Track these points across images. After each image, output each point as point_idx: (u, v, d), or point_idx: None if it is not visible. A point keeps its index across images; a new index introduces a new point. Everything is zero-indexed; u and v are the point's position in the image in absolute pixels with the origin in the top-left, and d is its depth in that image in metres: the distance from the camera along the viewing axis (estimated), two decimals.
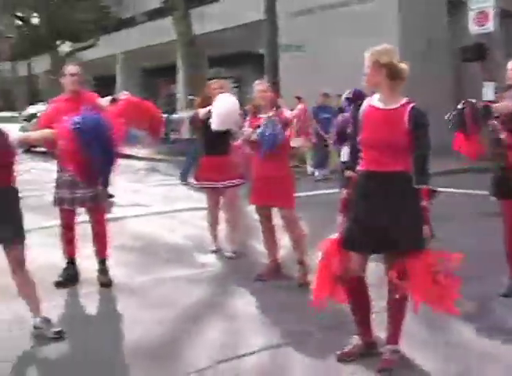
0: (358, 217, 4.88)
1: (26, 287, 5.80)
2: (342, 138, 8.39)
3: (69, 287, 7.25)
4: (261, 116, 7.19)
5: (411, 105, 4.77)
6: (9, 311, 6.29)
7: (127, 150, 24.51)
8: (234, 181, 8.43)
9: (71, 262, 7.48)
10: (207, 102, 8.49)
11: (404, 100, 4.81)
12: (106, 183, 6.61)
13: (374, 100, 4.90)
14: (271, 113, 7.11)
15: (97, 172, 6.13)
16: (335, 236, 5.04)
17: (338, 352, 5.10)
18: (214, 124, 8.04)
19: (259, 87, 7.38)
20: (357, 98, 5.21)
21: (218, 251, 8.68)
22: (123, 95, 7.20)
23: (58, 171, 7.23)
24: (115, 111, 6.80)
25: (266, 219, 7.47)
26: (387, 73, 4.76)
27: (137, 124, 6.93)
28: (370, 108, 4.89)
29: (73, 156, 5.80)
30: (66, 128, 5.79)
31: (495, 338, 5.49)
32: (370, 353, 5.12)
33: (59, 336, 5.67)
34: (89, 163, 5.82)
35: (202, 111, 8.41)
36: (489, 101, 6.55)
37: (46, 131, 6.28)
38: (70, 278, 7.38)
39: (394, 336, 5.02)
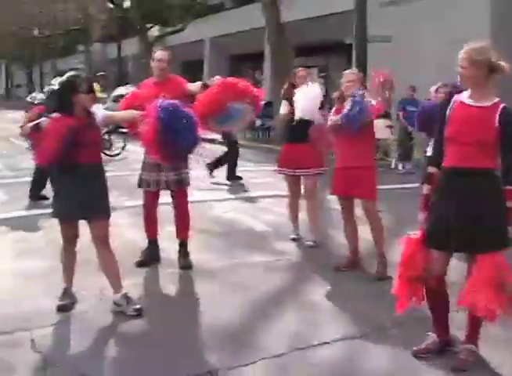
0: (441, 214, 4.80)
1: (108, 263, 5.95)
2: (426, 125, 8.20)
3: (149, 267, 7.39)
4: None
5: (502, 104, 4.70)
6: (91, 285, 6.45)
7: (211, 135, 24.76)
8: (313, 170, 8.42)
9: (153, 242, 7.61)
10: (292, 90, 8.49)
11: (496, 99, 4.74)
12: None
13: (464, 97, 4.82)
14: (357, 93, 7.00)
15: (176, 156, 6.23)
16: (416, 234, 4.97)
17: (414, 348, 5.06)
18: (299, 112, 8.05)
19: (349, 77, 7.29)
20: (457, 92, 5.08)
21: (297, 240, 8.68)
22: (215, 79, 7.23)
23: (144, 153, 7.35)
24: (210, 94, 6.86)
25: (347, 210, 7.43)
26: (485, 71, 4.68)
27: (237, 99, 6.95)
28: (461, 104, 4.80)
29: (152, 139, 5.90)
30: (149, 111, 5.90)
31: None
32: (447, 351, 5.07)
33: (138, 313, 5.80)
34: (168, 147, 5.93)
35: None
36: None
37: (130, 112, 6.41)
38: (151, 258, 7.51)
39: (472, 336, 4.95)
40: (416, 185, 9.46)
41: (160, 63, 7.42)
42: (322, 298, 6.53)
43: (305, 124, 8.22)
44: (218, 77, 7.22)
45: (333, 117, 7.18)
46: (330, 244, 8.66)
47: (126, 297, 5.90)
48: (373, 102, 7.12)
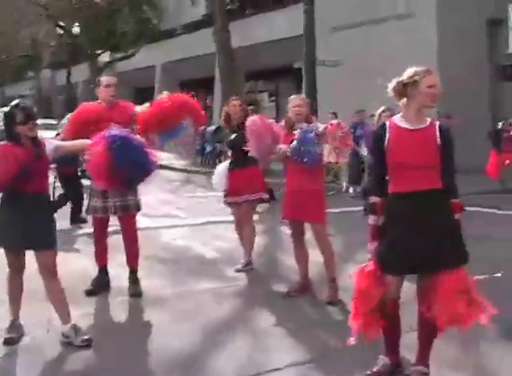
0: (398, 240, 4.78)
1: (55, 294, 5.86)
2: None
3: (99, 296, 7.29)
4: (295, 132, 7.15)
5: (437, 123, 4.84)
6: (38, 316, 6.32)
7: (161, 161, 24.72)
8: (245, 196, 8.43)
9: (103, 270, 7.52)
10: (229, 119, 8.68)
11: (429, 119, 4.85)
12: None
13: (399, 121, 4.87)
14: (304, 125, 7.03)
15: (127, 185, 6.22)
16: (367, 266, 4.96)
17: (368, 372, 5.03)
18: (252, 153, 7.94)
19: (295, 102, 7.32)
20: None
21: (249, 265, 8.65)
22: (162, 96, 7.25)
23: (91, 181, 7.29)
24: (158, 111, 6.86)
25: (297, 234, 7.41)
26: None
27: (178, 116, 6.98)
28: (399, 129, 4.84)
29: (102, 169, 5.87)
30: (98, 141, 5.87)
31: None
32: (397, 373, 5.06)
33: (87, 344, 5.70)
34: (119, 177, 5.91)
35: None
36: None
37: (82, 141, 6.34)
38: (100, 286, 7.41)
39: (423, 357, 4.95)
40: None
41: (109, 89, 7.39)
42: (272, 323, 6.49)
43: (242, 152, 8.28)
44: (165, 92, 7.22)
45: (282, 146, 7.16)
46: (281, 269, 8.65)
47: (74, 327, 5.80)
48: (321, 127, 7.18)
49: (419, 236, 4.71)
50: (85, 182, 7.47)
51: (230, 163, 8.61)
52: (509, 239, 10.10)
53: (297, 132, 6.98)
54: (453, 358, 5.47)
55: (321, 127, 7.24)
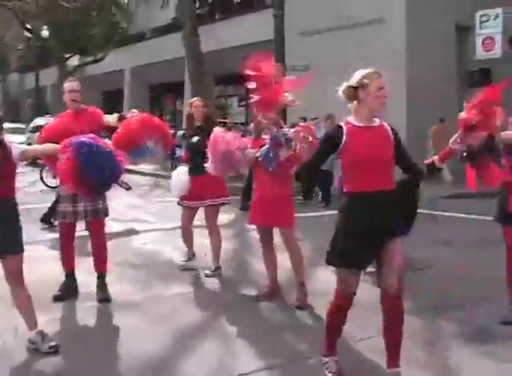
0: (354, 237, 4.81)
1: (22, 300, 5.80)
2: None
3: (67, 301, 7.24)
4: (264, 137, 7.17)
5: (385, 123, 4.98)
6: (5, 322, 6.28)
7: (131, 166, 24.60)
8: (209, 201, 8.43)
9: (70, 275, 7.48)
10: (191, 120, 8.65)
11: (377, 119, 4.98)
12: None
13: (353, 121, 4.94)
14: (274, 131, 7.04)
15: (95, 189, 6.21)
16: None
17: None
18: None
19: None
20: None
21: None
22: (131, 112, 7.22)
23: (59, 185, 7.25)
24: (128, 130, 6.84)
25: (266, 239, 7.43)
26: None
27: (147, 138, 6.95)
28: (356, 128, 4.89)
29: (70, 174, 5.86)
30: (66, 146, 5.85)
31: (494, 364, 5.47)
32: None
33: (54, 350, 5.66)
34: (87, 181, 5.90)
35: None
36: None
37: (48, 146, 6.31)
38: (68, 292, 7.37)
39: (395, 358, 4.96)
40: (335, 212, 9.54)
41: (71, 94, 7.36)
42: (242, 328, 6.50)
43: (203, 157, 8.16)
44: (134, 110, 7.20)
45: (250, 150, 7.16)
46: (250, 274, 8.67)
47: (41, 334, 5.75)
48: (291, 132, 7.19)
49: (375, 238, 4.80)
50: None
51: (190, 168, 8.46)
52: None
53: (267, 138, 6.99)
54: (423, 360, 5.51)
55: (290, 131, 7.26)
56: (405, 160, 5.05)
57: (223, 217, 12.10)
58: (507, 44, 21.84)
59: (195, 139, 8.44)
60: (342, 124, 4.94)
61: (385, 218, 4.79)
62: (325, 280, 7.40)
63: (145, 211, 14.47)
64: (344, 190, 4.96)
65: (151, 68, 37.05)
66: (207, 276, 8.44)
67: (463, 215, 13.49)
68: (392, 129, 4.95)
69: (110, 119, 7.32)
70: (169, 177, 22.93)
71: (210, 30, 28.45)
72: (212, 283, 8.20)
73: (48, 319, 6.38)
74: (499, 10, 20.71)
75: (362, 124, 4.88)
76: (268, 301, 7.26)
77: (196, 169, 8.22)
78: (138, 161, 7.42)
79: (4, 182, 5.61)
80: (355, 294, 4.97)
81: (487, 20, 20.81)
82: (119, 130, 6.94)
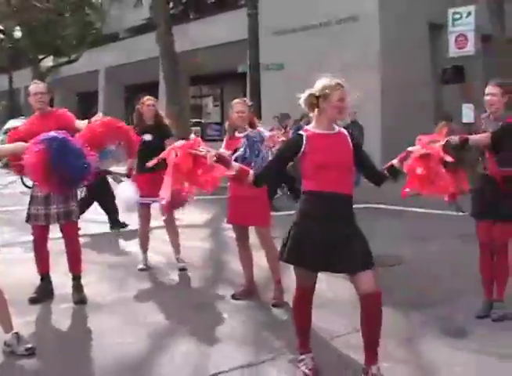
0: (304, 235, 4.90)
1: None
2: None
3: (42, 304, 7.20)
4: (238, 136, 7.17)
5: (344, 130, 5.08)
6: None
7: (104, 167, 24.50)
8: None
9: (45, 278, 7.44)
10: (141, 118, 8.81)
11: (337, 127, 5.06)
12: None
13: (313, 128, 5.04)
14: (249, 131, 7.07)
15: (65, 186, 6.19)
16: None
17: (307, 372, 5.07)
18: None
19: (238, 107, 7.28)
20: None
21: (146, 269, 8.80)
22: (98, 117, 7.22)
23: (33, 187, 7.21)
24: (90, 133, 6.83)
25: (242, 238, 7.43)
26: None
27: (110, 142, 6.99)
28: (316, 135, 4.98)
29: (40, 170, 5.85)
30: (34, 143, 5.84)
31: (471, 359, 5.51)
32: None
33: (30, 352, 5.63)
34: (57, 177, 5.88)
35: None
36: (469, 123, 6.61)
37: (20, 144, 6.28)
38: (43, 294, 7.33)
39: (372, 355, 4.97)
40: None
41: (36, 97, 7.28)
42: (219, 327, 6.50)
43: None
44: (100, 114, 7.19)
45: (224, 151, 7.13)
46: (226, 272, 8.67)
47: (17, 336, 5.72)
48: (267, 133, 7.24)
49: (326, 237, 4.82)
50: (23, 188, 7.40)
51: (141, 165, 8.28)
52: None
53: (242, 139, 7.01)
54: (399, 354, 5.55)
55: (265, 131, 7.30)
56: (366, 165, 5.12)
57: (200, 217, 12.11)
58: (480, 41, 22.04)
59: (148, 136, 8.51)
60: (302, 132, 5.05)
61: (338, 221, 4.85)
62: None
63: (122, 212, 14.41)
64: (303, 190, 5.05)
65: (126, 68, 36.97)
66: (181, 269, 8.61)
67: (439, 212, 13.57)
68: (351, 135, 5.06)
69: (82, 125, 7.26)
70: None
71: (185, 29, 28.46)
72: (189, 283, 8.20)
73: (24, 322, 6.35)
74: (471, 8, 20.88)
75: (321, 132, 4.99)
76: (245, 300, 7.27)
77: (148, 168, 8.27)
78: (100, 164, 7.31)
79: None
80: (313, 286, 5.08)
81: (459, 18, 20.97)
82: (82, 133, 6.91)
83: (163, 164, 8.07)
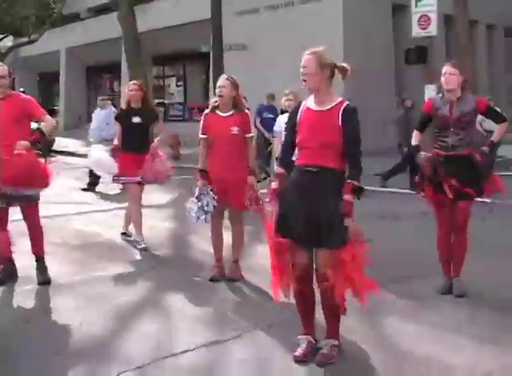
0: (287, 207, 4.95)
1: None
2: None
3: (6, 286, 7.13)
4: (221, 114, 7.13)
5: (345, 103, 4.89)
6: None
7: (67, 148, 24.32)
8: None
9: (8, 260, 7.34)
10: (128, 103, 8.98)
11: (339, 100, 4.93)
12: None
13: (310, 102, 5.01)
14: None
15: None
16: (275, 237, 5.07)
17: (296, 354, 5.08)
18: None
19: (219, 82, 7.30)
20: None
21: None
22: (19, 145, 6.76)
23: None
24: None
25: (218, 217, 7.29)
26: (329, 73, 4.84)
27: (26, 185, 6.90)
28: (307, 111, 5.00)
29: None
30: None
31: (432, 336, 5.58)
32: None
33: None
34: None
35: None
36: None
37: None
38: (8, 276, 7.25)
39: (332, 330, 5.08)
40: None
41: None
42: (183, 305, 6.51)
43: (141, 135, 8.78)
44: (23, 143, 6.79)
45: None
46: (192, 253, 8.68)
47: None
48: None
49: (303, 210, 4.85)
50: None
51: (128, 145, 8.79)
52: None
53: None
54: (364, 332, 5.60)
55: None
56: (347, 146, 4.88)
57: (166, 197, 12.06)
58: (442, 22, 22.15)
59: (136, 119, 8.77)
60: (302, 104, 5.10)
61: (317, 194, 4.83)
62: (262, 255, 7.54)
63: (83, 193, 14.33)
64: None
65: (87, 49, 36.62)
66: (141, 250, 8.69)
67: (402, 191, 13.71)
68: (345, 111, 4.85)
69: (48, 120, 7.09)
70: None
71: (147, 9, 28.22)
72: (151, 263, 8.18)
73: None
74: None
75: (311, 107, 4.98)
76: (215, 281, 7.23)
77: (136, 147, 8.68)
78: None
79: None
80: (308, 265, 5.02)
81: None
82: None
83: (147, 147, 8.48)
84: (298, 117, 5.02)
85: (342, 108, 4.85)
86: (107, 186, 8.93)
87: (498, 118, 6.89)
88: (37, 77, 46.13)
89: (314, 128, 4.90)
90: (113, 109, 14.71)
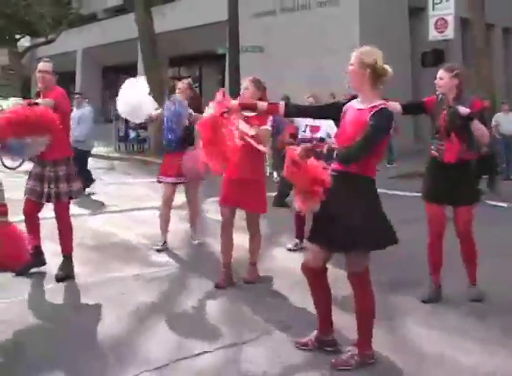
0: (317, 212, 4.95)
1: None
2: None
3: (25, 284, 7.15)
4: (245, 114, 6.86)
5: (381, 106, 4.84)
6: None
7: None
8: (175, 179, 8.81)
9: (36, 250, 7.43)
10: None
11: (379, 102, 4.89)
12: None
13: (354, 101, 5.03)
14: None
15: None
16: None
17: (296, 341, 5.25)
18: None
19: (243, 83, 7.33)
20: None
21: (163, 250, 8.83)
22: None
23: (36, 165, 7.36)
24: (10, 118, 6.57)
25: (229, 221, 7.23)
26: (370, 73, 4.86)
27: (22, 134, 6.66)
28: (350, 107, 5.02)
29: None
30: None
31: (445, 339, 5.60)
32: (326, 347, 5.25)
33: None
34: None
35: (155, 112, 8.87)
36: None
37: None
38: (33, 265, 7.43)
39: (358, 338, 5.09)
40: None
41: (37, 74, 7.42)
42: (200, 307, 6.55)
43: (184, 133, 8.67)
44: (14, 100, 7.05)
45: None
46: (209, 254, 8.68)
47: None
48: None
49: (330, 215, 4.86)
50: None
51: (174, 144, 8.75)
52: None
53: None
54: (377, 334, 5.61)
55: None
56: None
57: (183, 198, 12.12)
58: (459, 26, 22.10)
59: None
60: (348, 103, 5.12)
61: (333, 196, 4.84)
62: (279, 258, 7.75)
63: (99, 194, 14.38)
64: None
65: (104, 49, 36.73)
66: (158, 250, 8.75)
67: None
68: (374, 114, 4.79)
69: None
70: (123, 159, 22.73)
71: (164, 10, 28.24)
72: (170, 264, 8.22)
73: (10, 301, 6.45)
74: None
75: (353, 105, 5.01)
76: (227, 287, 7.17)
77: (180, 146, 8.67)
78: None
79: None
80: (319, 269, 5.07)
81: (440, 2, 21.01)
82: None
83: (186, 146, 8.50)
84: (345, 108, 5.05)
85: (376, 109, 4.81)
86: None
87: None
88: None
89: (347, 124, 4.93)
90: (90, 107, 14.64)
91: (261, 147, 6.88)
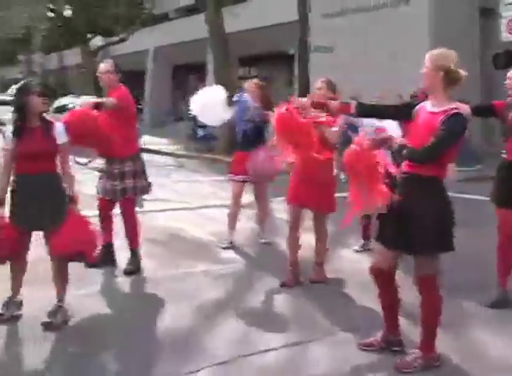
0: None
1: (60, 274, 5.92)
2: None
3: (95, 277, 7.29)
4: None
5: (454, 111, 4.80)
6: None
7: (151, 146, 24.73)
8: (247, 177, 8.83)
9: (106, 246, 7.51)
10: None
11: (452, 105, 4.85)
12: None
13: (427, 102, 4.99)
14: None
15: None
16: None
17: (360, 342, 5.29)
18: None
19: (317, 83, 7.41)
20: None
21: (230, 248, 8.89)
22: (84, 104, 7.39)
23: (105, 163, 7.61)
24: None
25: (297, 220, 7.26)
26: (443, 77, 4.86)
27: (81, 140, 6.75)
28: (422, 108, 4.98)
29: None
30: None
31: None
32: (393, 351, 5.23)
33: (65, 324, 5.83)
34: None
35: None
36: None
37: None
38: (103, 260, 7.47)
39: (422, 342, 5.08)
40: None
41: (99, 75, 7.67)
42: (266, 305, 6.62)
43: (255, 131, 8.70)
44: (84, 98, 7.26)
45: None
46: (275, 253, 8.72)
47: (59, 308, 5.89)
48: None
49: (400, 216, 4.86)
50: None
51: (246, 143, 8.83)
52: None
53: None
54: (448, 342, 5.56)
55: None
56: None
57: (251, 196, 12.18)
58: None
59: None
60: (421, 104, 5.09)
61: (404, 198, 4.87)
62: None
63: (168, 191, 14.54)
64: None
65: (175, 49, 37.07)
66: (223, 248, 8.81)
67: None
68: (447, 116, 4.76)
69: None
70: (192, 157, 22.89)
71: (234, 10, 28.38)
72: (237, 262, 8.32)
73: (81, 295, 6.55)
74: None
75: (426, 107, 4.97)
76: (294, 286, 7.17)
77: (251, 145, 8.68)
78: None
79: (48, 158, 5.78)
80: (388, 270, 5.08)
81: (511, 3, 20.64)
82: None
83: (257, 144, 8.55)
84: (417, 108, 5.01)
85: (448, 113, 4.77)
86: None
87: None
88: (124, 75, 46.92)
89: (419, 126, 4.92)
90: None
91: (334, 128, 6.95)
